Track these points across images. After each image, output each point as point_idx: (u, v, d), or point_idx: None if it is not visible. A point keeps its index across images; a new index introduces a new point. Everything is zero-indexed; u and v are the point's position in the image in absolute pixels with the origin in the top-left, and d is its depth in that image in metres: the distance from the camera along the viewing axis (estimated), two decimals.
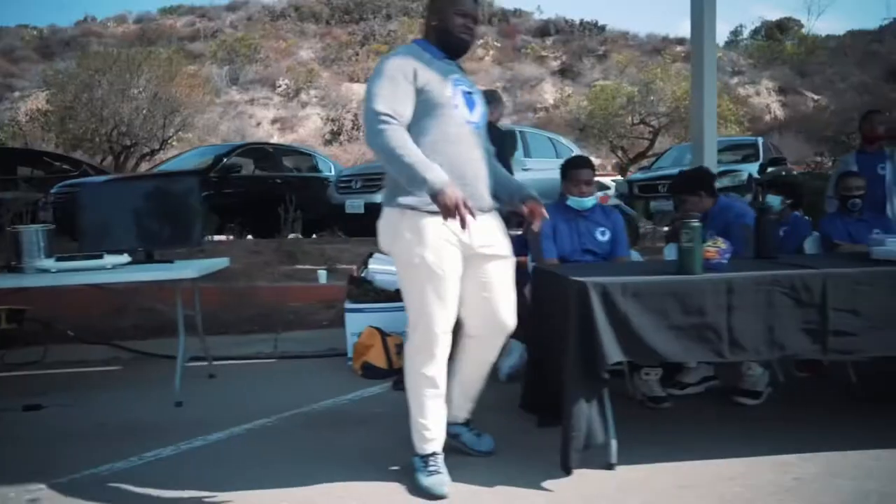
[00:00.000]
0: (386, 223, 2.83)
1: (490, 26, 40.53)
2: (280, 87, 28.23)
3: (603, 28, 39.31)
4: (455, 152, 2.76)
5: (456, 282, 2.79)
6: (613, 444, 2.91)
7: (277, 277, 6.63)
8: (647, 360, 2.92)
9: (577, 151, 11.14)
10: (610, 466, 2.91)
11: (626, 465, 2.92)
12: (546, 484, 2.78)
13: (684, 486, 2.78)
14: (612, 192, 10.18)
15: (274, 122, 26.67)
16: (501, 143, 4.26)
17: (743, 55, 36.02)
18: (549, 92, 30.23)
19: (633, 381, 3.89)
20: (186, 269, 3.95)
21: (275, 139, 23.81)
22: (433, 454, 2.82)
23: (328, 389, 4.26)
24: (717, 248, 3.16)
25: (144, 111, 18.55)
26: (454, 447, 3.04)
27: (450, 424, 3.01)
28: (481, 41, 38.82)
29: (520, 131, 10.66)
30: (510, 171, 4.25)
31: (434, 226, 2.71)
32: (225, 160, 9.67)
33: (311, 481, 2.88)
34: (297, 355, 5.18)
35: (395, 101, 2.67)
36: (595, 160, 22.34)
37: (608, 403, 2.93)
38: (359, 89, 29.69)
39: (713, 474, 2.87)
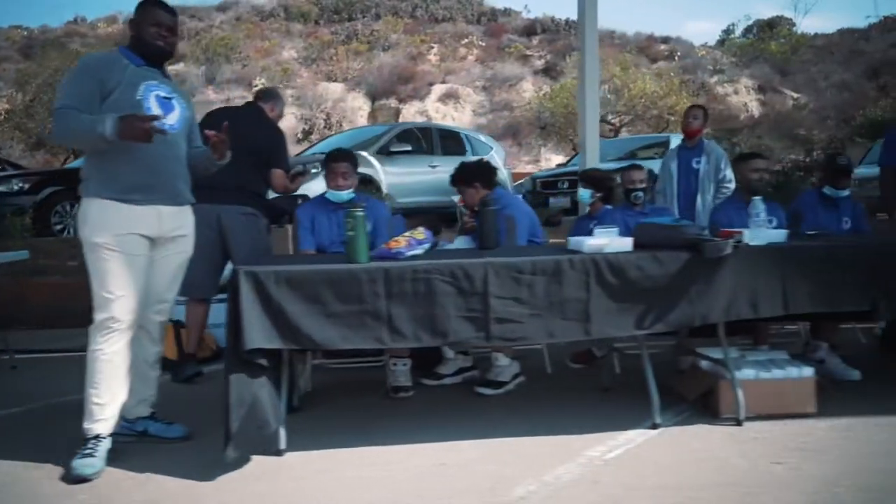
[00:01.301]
0: (81, 211, 2.98)
1: (477, 25, 40.58)
2: (256, 86, 28.29)
3: None
4: (148, 152, 2.89)
5: (139, 267, 2.95)
6: (281, 430, 2.95)
7: None
8: (306, 346, 2.96)
9: (495, 149, 11.12)
10: (279, 452, 2.96)
11: (299, 452, 2.97)
12: (204, 469, 2.82)
13: (326, 470, 2.82)
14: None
15: None
16: (277, 140, 4.33)
17: (727, 54, 35.87)
18: (528, 91, 30.15)
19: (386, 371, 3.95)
20: None
21: None
22: (97, 437, 2.88)
23: None
24: (408, 238, 3.19)
25: None
26: (147, 441, 3.13)
27: (135, 420, 3.11)
28: (466, 40, 38.99)
29: (434, 129, 10.67)
30: (286, 168, 4.33)
31: (122, 213, 2.90)
32: None
33: None
34: None
35: (75, 97, 2.86)
36: (559, 158, 22.35)
37: (278, 389, 2.98)
38: (335, 88, 29.80)
39: (369, 459, 2.93)
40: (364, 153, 9.05)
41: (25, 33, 38.93)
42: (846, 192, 4.52)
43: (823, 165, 4.67)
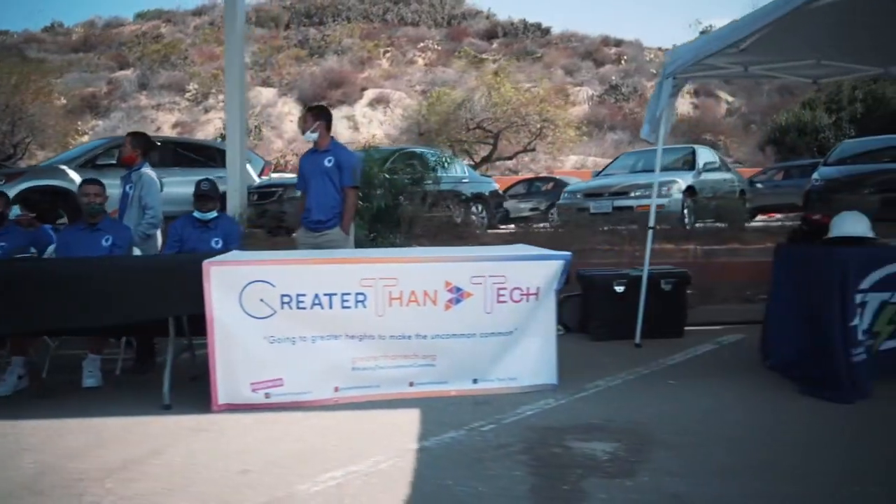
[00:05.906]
0: None
1: (443, 29, 40.83)
2: (188, 91, 29.11)
3: (547, 31, 39.36)
4: None
5: None
6: None
7: None
8: None
9: (253, 162, 11.51)
10: None
11: None
12: None
13: None
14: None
15: (175, 126, 27.55)
16: None
17: None
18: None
19: None
20: None
21: None
22: None
23: None
24: None
25: None
26: None
27: None
28: (421, 44, 39.24)
29: (174, 142, 11.15)
30: None
31: None
32: None
33: None
34: None
35: None
36: None
37: None
38: (268, 93, 30.45)
39: None
40: (63, 167, 9.58)
41: (5, 38, 40.35)
42: (213, 214, 4.90)
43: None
